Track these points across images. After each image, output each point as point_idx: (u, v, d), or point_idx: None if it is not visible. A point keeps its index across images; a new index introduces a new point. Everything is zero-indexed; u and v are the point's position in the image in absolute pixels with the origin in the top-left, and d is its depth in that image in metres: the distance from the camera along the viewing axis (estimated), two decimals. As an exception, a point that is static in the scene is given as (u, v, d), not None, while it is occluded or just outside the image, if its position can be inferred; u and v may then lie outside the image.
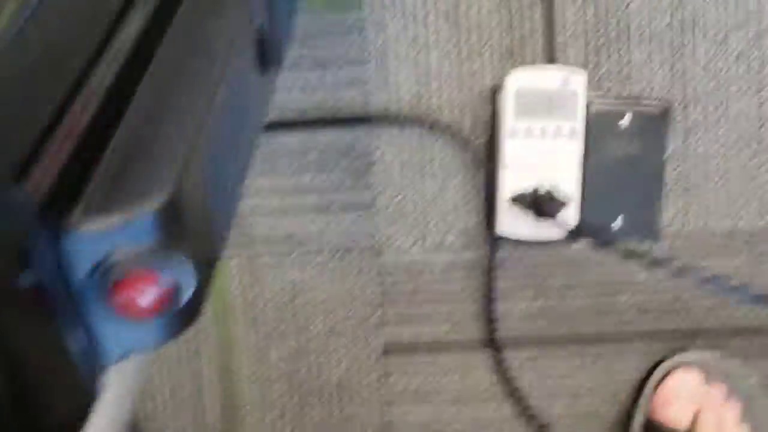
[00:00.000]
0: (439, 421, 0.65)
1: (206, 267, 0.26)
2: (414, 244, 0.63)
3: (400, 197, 0.63)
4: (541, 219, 0.57)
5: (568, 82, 0.57)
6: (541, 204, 0.56)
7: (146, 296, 0.25)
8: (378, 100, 0.62)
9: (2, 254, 0.21)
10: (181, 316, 0.26)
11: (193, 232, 0.25)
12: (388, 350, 0.64)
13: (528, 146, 0.58)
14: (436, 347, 0.64)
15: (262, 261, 0.64)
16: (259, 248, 0.64)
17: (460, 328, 0.64)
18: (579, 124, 0.58)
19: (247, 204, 0.63)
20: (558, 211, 0.57)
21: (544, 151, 0.58)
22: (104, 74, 0.26)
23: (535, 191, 0.56)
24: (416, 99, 0.62)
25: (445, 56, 0.61)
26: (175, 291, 0.26)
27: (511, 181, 0.59)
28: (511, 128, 0.58)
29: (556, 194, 0.57)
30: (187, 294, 0.26)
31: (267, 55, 0.36)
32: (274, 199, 0.63)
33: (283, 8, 0.41)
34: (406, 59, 0.61)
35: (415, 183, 0.63)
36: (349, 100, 0.62)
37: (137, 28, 0.28)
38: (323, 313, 0.64)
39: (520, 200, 0.58)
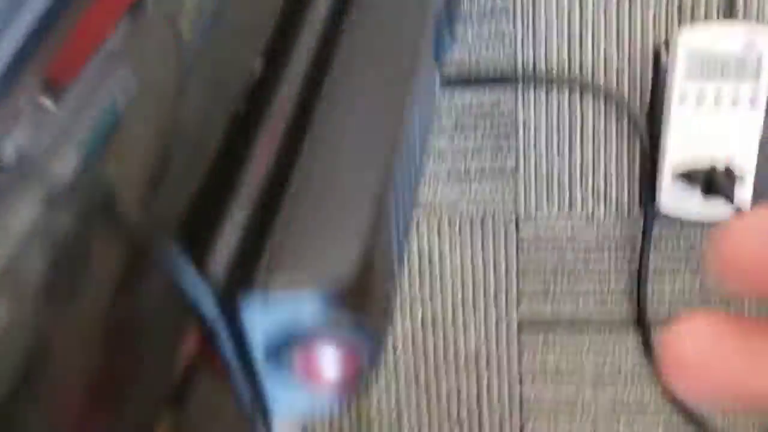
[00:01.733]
0: (576, 401, 0.61)
1: (383, 329, 0.23)
2: (559, 215, 0.58)
3: (546, 164, 0.57)
4: (711, 197, 0.51)
5: (752, 43, 0.50)
6: (713, 180, 0.50)
7: (329, 366, 0.23)
8: (524, 58, 0.56)
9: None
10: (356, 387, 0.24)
11: (376, 298, 0.22)
12: (523, 325, 0.61)
13: (699, 114, 0.51)
14: (577, 325, 0.60)
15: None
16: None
17: (605, 307, 0.59)
18: (763, 91, 0.50)
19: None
20: (732, 189, 0.50)
21: (718, 120, 0.51)
22: (283, 102, 0.22)
23: (708, 166, 0.50)
24: (567, 57, 0.55)
25: (601, 8, 0.54)
26: (357, 359, 0.23)
27: (677, 153, 0.52)
28: (679, 92, 0.51)
29: (730, 170, 0.50)
30: (367, 360, 0.24)
31: (443, 40, 0.31)
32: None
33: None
34: (557, 11, 0.54)
35: (564, 149, 0.57)
36: (492, 57, 0.56)
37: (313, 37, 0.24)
38: (456, 284, 0.61)
39: (687, 174, 0.51)
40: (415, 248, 0.60)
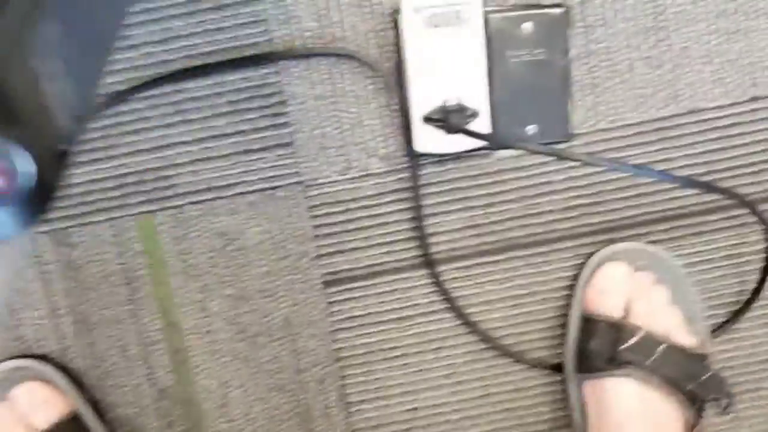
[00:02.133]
0: (385, 341, 0.67)
1: (47, 155, 0.25)
2: (339, 174, 0.64)
3: (318, 131, 0.63)
4: (453, 133, 0.58)
5: (465, -5, 0.58)
6: (450, 118, 0.57)
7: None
8: (281, 36, 0.62)
9: None
10: (29, 203, 0.25)
11: (27, 120, 0.24)
12: (327, 282, 0.66)
13: (432, 62, 0.59)
14: (373, 272, 0.66)
15: (189, 212, 0.64)
16: (184, 199, 0.64)
17: (394, 251, 0.65)
18: (479, 36, 0.58)
19: (164, 156, 0.63)
20: (467, 123, 0.58)
21: (447, 66, 0.59)
22: None
23: (443, 105, 0.57)
24: (319, 31, 0.62)
25: (343, -16, 0.61)
26: (10, 176, 0.25)
27: (421, 99, 0.59)
28: (412, 47, 0.59)
29: (464, 107, 0.58)
30: (27, 180, 0.25)
31: None
32: (191, 147, 0.63)
33: None
34: (305, -8, 0.61)
35: (332, 115, 0.63)
36: (252, 39, 0.62)
37: None
38: (258, 255, 0.65)
39: (431, 117, 0.59)
40: (215, 227, 0.64)
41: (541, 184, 0.65)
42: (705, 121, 0.64)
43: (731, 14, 0.63)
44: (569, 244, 0.66)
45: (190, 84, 0.62)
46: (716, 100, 0.64)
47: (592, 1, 0.62)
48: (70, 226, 0.64)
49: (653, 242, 0.65)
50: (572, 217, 0.65)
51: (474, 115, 0.58)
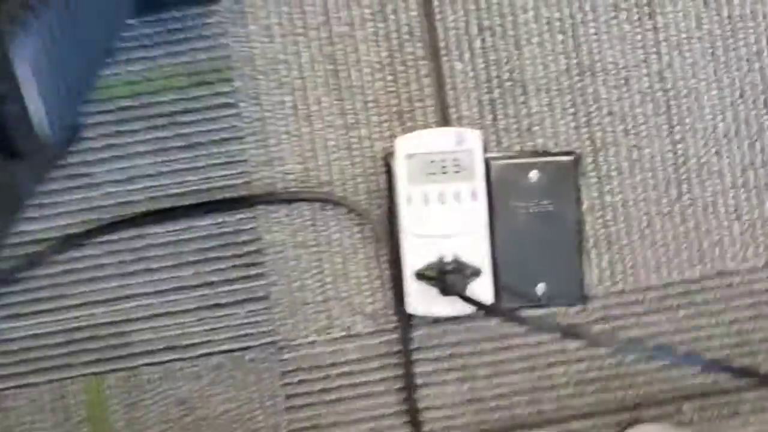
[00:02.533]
0: None
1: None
2: (319, 335, 0.56)
3: (297, 283, 0.56)
4: (449, 295, 0.50)
5: (462, 141, 0.52)
6: (446, 278, 0.49)
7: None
8: (261, 179, 0.56)
9: None
10: None
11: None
12: (300, 463, 0.56)
13: (427, 214, 0.52)
14: (354, 453, 0.56)
15: (145, 375, 0.56)
16: (140, 360, 0.56)
17: (381, 428, 0.56)
18: (479, 185, 0.52)
19: (119, 309, 0.55)
20: (466, 283, 0.50)
21: (445, 217, 0.52)
22: None
23: (439, 261, 0.50)
24: (303, 174, 0.56)
25: (329, 126, 0.55)
26: None
27: (414, 254, 0.52)
28: (406, 196, 0.52)
29: (463, 265, 0.51)
30: None
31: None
32: (152, 300, 0.55)
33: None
34: (287, 133, 0.55)
35: (313, 265, 0.56)
36: (227, 180, 0.55)
37: None
38: (221, 429, 0.56)
39: (425, 275, 0.51)
40: (174, 393, 0.55)
41: (554, 352, 0.56)
42: (735, 285, 0.57)
43: (759, 167, 0.57)
44: (586, 423, 0.56)
45: (155, 229, 0.55)
46: (747, 261, 0.57)
47: (606, 149, 0.56)
48: (5, 388, 0.55)
49: (682, 423, 0.56)
50: (589, 392, 0.56)
51: (475, 273, 0.51)
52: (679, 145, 0.56)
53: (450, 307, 0.52)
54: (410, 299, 0.53)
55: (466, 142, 0.52)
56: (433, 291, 0.52)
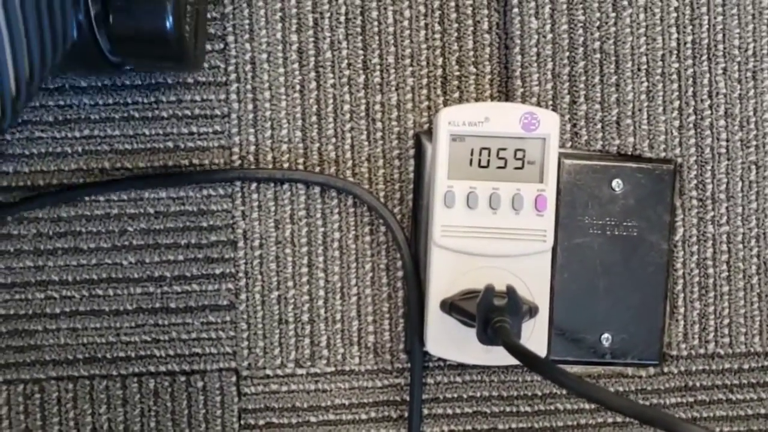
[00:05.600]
0: None
1: None
2: (298, 365, 0.41)
3: (276, 293, 0.41)
4: (489, 344, 0.35)
5: (532, 126, 0.37)
6: (492, 317, 0.34)
7: None
8: (244, 145, 0.40)
9: None
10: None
11: None
12: None
13: (470, 221, 0.37)
14: None
15: (53, 391, 0.40)
16: (50, 370, 0.40)
17: (366, 501, 0.41)
18: (550, 189, 0.37)
19: (31, 300, 0.40)
20: (521, 329, 0.35)
21: (495, 229, 0.37)
22: None
23: (486, 294, 0.35)
24: (302, 145, 0.41)
25: (345, 83, 0.40)
26: None
27: (445, 275, 0.37)
28: (443, 192, 0.37)
29: (518, 301, 0.36)
30: None
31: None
32: (75, 291, 0.40)
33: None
34: (286, 85, 0.40)
35: (301, 272, 0.41)
36: (198, 141, 0.40)
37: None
38: (150, 476, 0.41)
39: (458, 306, 0.36)
40: (94, 423, 0.40)
41: (611, 425, 0.42)
42: None
43: None
44: None
45: (90, 195, 0.40)
46: None
47: (717, 162, 0.41)
48: None
49: None
50: (647, 482, 0.42)
51: (530, 313, 0.36)
52: (812, 169, 0.42)
53: (487, 354, 0.37)
54: (432, 335, 0.38)
55: (538, 127, 0.37)
56: (466, 330, 0.37)
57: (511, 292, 0.33)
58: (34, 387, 0.41)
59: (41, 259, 0.40)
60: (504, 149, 0.37)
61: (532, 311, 0.36)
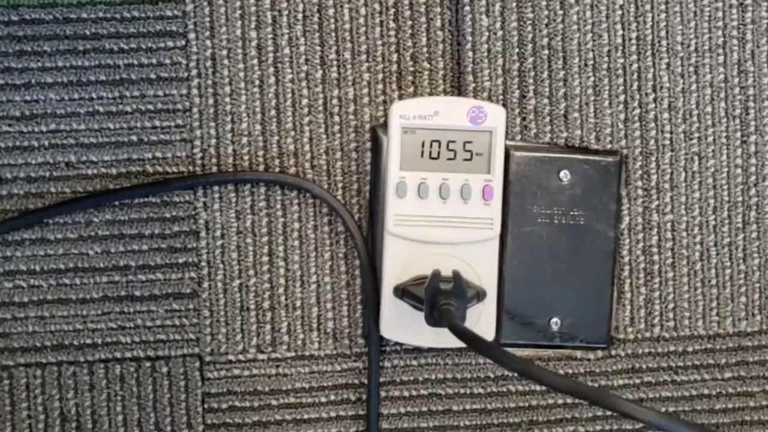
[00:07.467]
0: None
1: None
2: (260, 351, 0.42)
3: (238, 281, 0.42)
4: (437, 326, 0.37)
5: (479, 119, 0.39)
6: (439, 302, 0.36)
7: None
8: (205, 139, 0.42)
9: None
10: None
11: None
12: None
13: (422, 211, 0.39)
14: None
15: (22, 377, 0.42)
16: (18, 357, 0.42)
17: (326, 481, 0.43)
18: (497, 180, 0.39)
19: (-7, 291, 0.41)
20: (465, 313, 0.37)
21: (445, 218, 0.39)
22: None
23: (433, 279, 0.36)
24: (261, 138, 0.42)
25: (302, 78, 0.42)
26: None
27: (398, 262, 0.39)
28: (395, 183, 0.39)
29: (464, 285, 0.37)
30: None
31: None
32: (42, 281, 0.41)
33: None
34: (246, 80, 0.42)
35: (262, 261, 0.42)
36: (160, 135, 0.42)
37: None
38: (117, 459, 0.42)
39: (409, 292, 0.38)
40: (62, 407, 0.42)
41: (563, 406, 0.43)
42: (797, 344, 0.45)
43: None
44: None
45: (57, 187, 0.41)
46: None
47: (661, 153, 0.43)
48: None
49: None
50: (598, 461, 0.44)
51: (478, 297, 0.38)
52: (752, 160, 0.44)
53: (437, 336, 0.39)
54: (386, 320, 0.40)
55: (485, 120, 0.39)
56: (418, 314, 0.38)
57: (456, 276, 0.35)
58: (2, 374, 0.42)
59: (9, 250, 0.42)
60: (453, 141, 0.39)
61: (480, 295, 0.38)
